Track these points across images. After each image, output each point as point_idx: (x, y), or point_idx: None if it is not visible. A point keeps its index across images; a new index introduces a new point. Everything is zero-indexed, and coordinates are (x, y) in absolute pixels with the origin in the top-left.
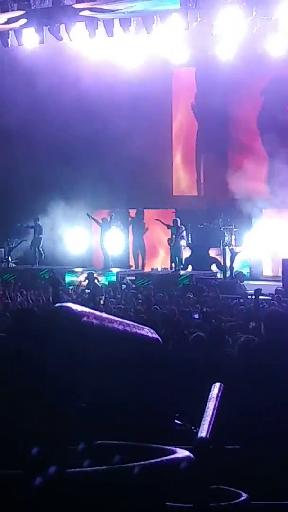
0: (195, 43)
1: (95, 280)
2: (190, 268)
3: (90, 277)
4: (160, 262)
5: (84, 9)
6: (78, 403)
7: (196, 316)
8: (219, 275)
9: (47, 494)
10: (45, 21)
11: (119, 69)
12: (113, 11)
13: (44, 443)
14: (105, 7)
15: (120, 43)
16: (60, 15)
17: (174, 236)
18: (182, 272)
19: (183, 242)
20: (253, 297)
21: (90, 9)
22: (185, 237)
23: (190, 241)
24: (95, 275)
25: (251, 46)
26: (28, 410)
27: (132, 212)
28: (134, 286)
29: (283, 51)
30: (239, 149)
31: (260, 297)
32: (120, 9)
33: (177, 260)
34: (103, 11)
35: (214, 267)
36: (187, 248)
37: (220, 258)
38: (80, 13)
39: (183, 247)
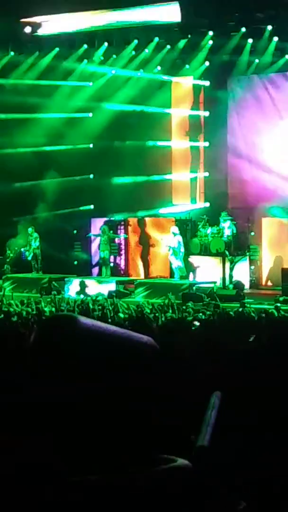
0: None
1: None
2: (191, 276)
3: (81, 286)
4: (159, 270)
5: None
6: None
7: (197, 323)
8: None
9: (44, 502)
10: None
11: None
12: None
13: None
14: None
15: None
16: None
17: (173, 244)
18: (182, 281)
19: (181, 250)
20: (235, 289)
21: None
22: (182, 245)
23: (189, 250)
24: (89, 282)
25: None
26: None
27: (131, 220)
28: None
29: None
30: (239, 156)
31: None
32: None
33: (177, 268)
34: None
35: (213, 276)
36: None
37: (220, 267)
38: None
39: (180, 255)
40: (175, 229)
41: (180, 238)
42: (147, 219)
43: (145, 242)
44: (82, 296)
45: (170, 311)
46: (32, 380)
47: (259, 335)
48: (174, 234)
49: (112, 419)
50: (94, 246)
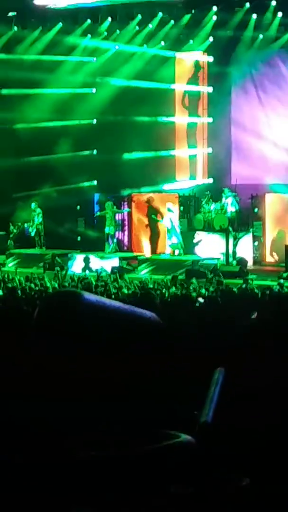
0: None
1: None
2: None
3: (85, 261)
4: (162, 247)
5: None
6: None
7: (201, 300)
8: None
9: (52, 475)
10: None
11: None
12: None
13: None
14: None
15: None
16: None
17: (165, 221)
18: (185, 257)
19: (175, 227)
20: (238, 265)
21: None
22: (173, 222)
23: (192, 225)
24: (92, 258)
25: None
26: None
27: (135, 196)
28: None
29: None
30: (243, 132)
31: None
32: None
33: (180, 245)
34: None
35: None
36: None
37: (223, 244)
38: None
39: (174, 232)
40: (169, 205)
41: (172, 215)
42: (150, 195)
43: (149, 218)
44: (86, 272)
45: (174, 288)
46: (35, 353)
47: (262, 312)
48: (168, 210)
49: (116, 394)
50: (98, 222)
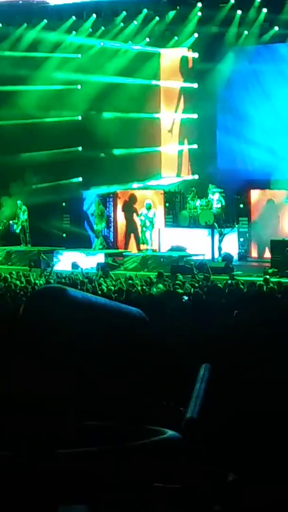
0: None
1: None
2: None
3: (71, 258)
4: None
5: None
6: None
7: (186, 297)
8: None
9: (37, 473)
10: None
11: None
12: None
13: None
14: None
15: None
16: None
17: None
18: (171, 253)
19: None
20: (224, 261)
21: None
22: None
23: (178, 222)
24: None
25: None
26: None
27: (120, 193)
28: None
29: None
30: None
31: None
32: None
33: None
34: None
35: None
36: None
37: (209, 239)
38: None
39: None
40: (148, 201)
41: (150, 212)
42: (135, 191)
43: (134, 215)
44: (71, 269)
45: (160, 284)
46: (20, 348)
47: (248, 307)
48: (147, 207)
49: (102, 390)
50: (84, 218)
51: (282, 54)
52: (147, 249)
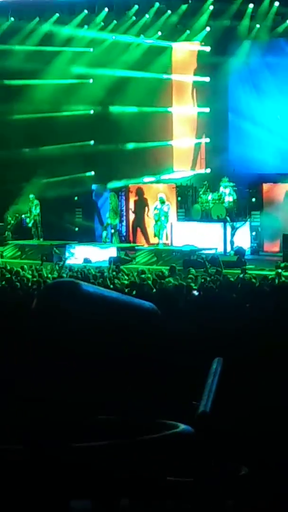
0: None
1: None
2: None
3: (83, 253)
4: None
5: None
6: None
7: (196, 293)
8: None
9: (49, 467)
10: None
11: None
12: None
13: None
14: None
15: None
16: None
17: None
18: (184, 247)
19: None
20: (236, 255)
21: None
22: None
23: (190, 216)
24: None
25: None
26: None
27: (132, 187)
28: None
29: None
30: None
31: None
32: None
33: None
34: None
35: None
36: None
37: (221, 233)
38: None
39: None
40: (162, 195)
41: (164, 205)
42: (147, 185)
43: (146, 209)
44: (83, 262)
45: (172, 278)
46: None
47: (260, 302)
48: (160, 201)
49: (114, 383)
50: (96, 212)
51: None
52: (158, 243)
